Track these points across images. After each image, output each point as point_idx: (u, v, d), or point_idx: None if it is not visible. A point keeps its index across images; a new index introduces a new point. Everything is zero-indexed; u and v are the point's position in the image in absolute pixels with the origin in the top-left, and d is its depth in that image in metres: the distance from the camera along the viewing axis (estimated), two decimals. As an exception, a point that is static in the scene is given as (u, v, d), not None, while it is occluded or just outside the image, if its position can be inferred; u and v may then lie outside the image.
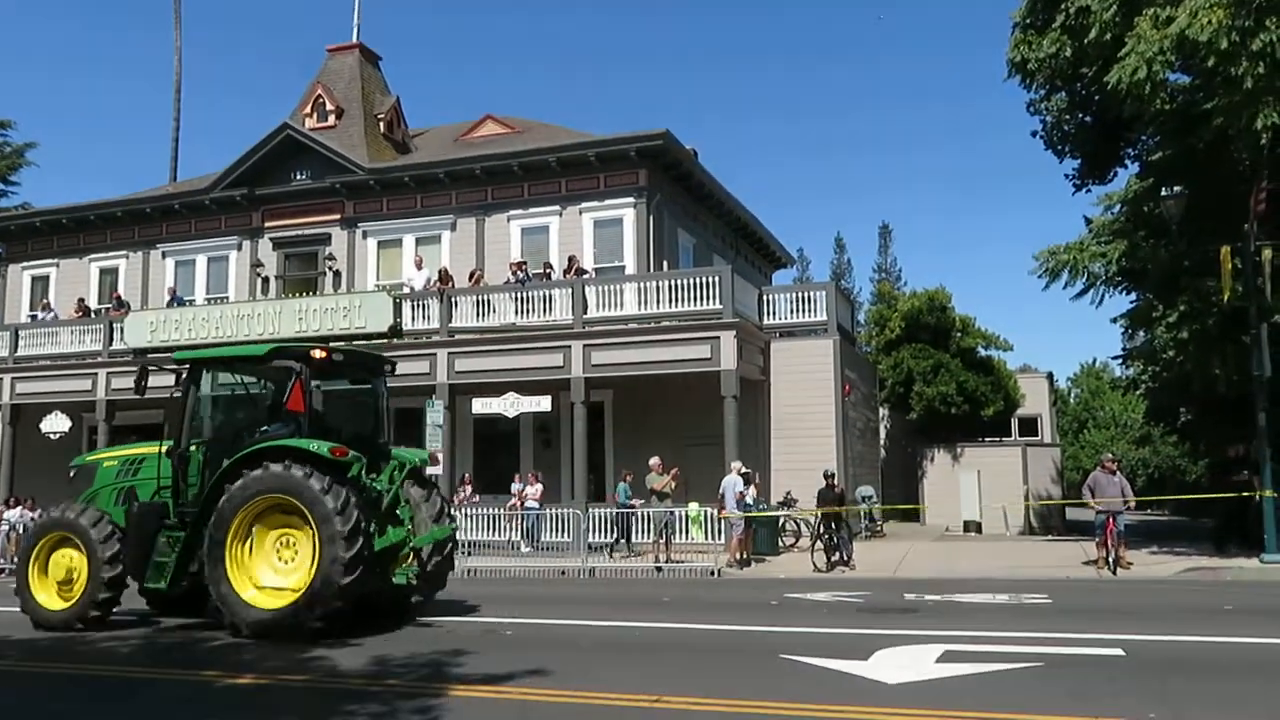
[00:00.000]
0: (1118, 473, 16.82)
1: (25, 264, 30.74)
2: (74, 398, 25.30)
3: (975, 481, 31.11)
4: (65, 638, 10.50)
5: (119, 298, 28.05)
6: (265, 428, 11.12)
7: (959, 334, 34.54)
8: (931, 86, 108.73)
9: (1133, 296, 22.69)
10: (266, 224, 27.95)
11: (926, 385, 32.76)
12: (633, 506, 19.04)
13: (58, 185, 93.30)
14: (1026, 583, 14.55)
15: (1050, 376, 42.27)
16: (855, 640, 9.27)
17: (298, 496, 10.09)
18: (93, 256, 29.88)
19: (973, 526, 29.96)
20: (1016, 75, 19.54)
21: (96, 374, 25.31)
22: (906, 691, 7.08)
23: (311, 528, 10.03)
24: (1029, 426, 38.11)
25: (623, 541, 19.24)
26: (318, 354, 11.27)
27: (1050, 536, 26.60)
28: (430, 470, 20.54)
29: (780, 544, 20.30)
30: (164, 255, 29.02)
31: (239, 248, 28.19)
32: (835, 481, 18.26)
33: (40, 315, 28.59)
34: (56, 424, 24.47)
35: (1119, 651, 8.47)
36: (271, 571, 10.36)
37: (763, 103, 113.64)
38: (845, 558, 17.30)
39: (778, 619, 11.10)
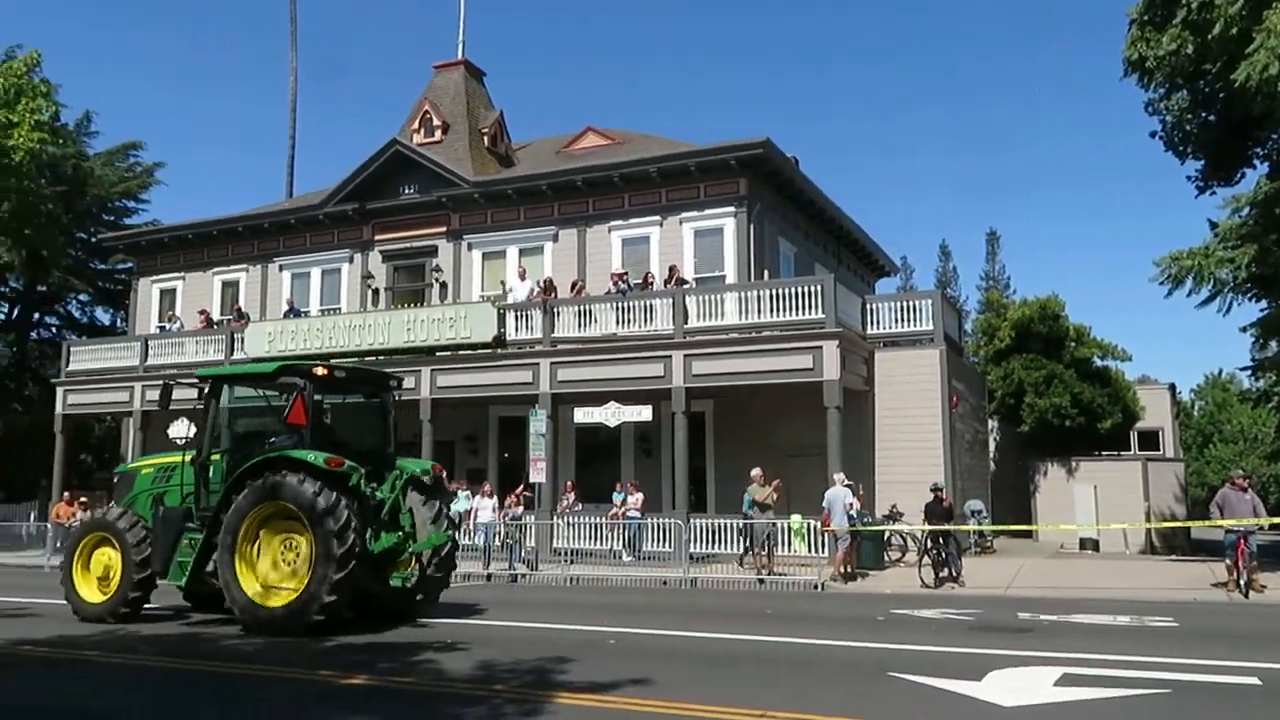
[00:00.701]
0: (1249, 490, 15.91)
1: (154, 278, 32.39)
2: (199, 404, 26.41)
3: (1092, 497, 29.86)
4: (190, 635, 10.98)
5: (239, 309, 29.30)
6: (273, 439, 11.99)
7: (1073, 344, 33.26)
8: (1041, 86, 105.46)
9: (1263, 304, 21.50)
10: (376, 237, 28.84)
11: (1038, 397, 31.65)
12: (750, 517, 18.72)
13: (181, 201, 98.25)
14: (1150, 604, 13.89)
15: (1172, 388, 40.36)
16: (967, 660, 8.98)
17: (295, 503, 10.99)
18: (216, 270, 31.29)
19: (1089, 544, 28.73)
20: (1134, 74, 18.82)
21: (218, 382, 26.40)
22: (1023, 716, 6.82)
23: (308, 532, 10.89)
24: (1149, 440, 36.43)
25: (755, 551, 18.60)
26: (320, 371, 12.26)
27: (1174, 556, 25.34)
28: (533, 479, 21.03)
29: (885, 558, 19.87)
30: (281, 268, 30.21)
31: (351, 260, 29.14)
32: (944, 495, 17.79)
33: (167, 326, 30.07)
34: (183, 431, 25.61)
35: (1254, 680, 7.99)
36: (276, 572, 11.26)
37: (864, 106, 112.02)
38: (954, 574, 16.82)
39: (885, 635, 10.85)
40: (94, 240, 42.28)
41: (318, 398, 12.29)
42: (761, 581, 17.46)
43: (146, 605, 12.58)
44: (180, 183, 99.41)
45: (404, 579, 11.85)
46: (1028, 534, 27.32)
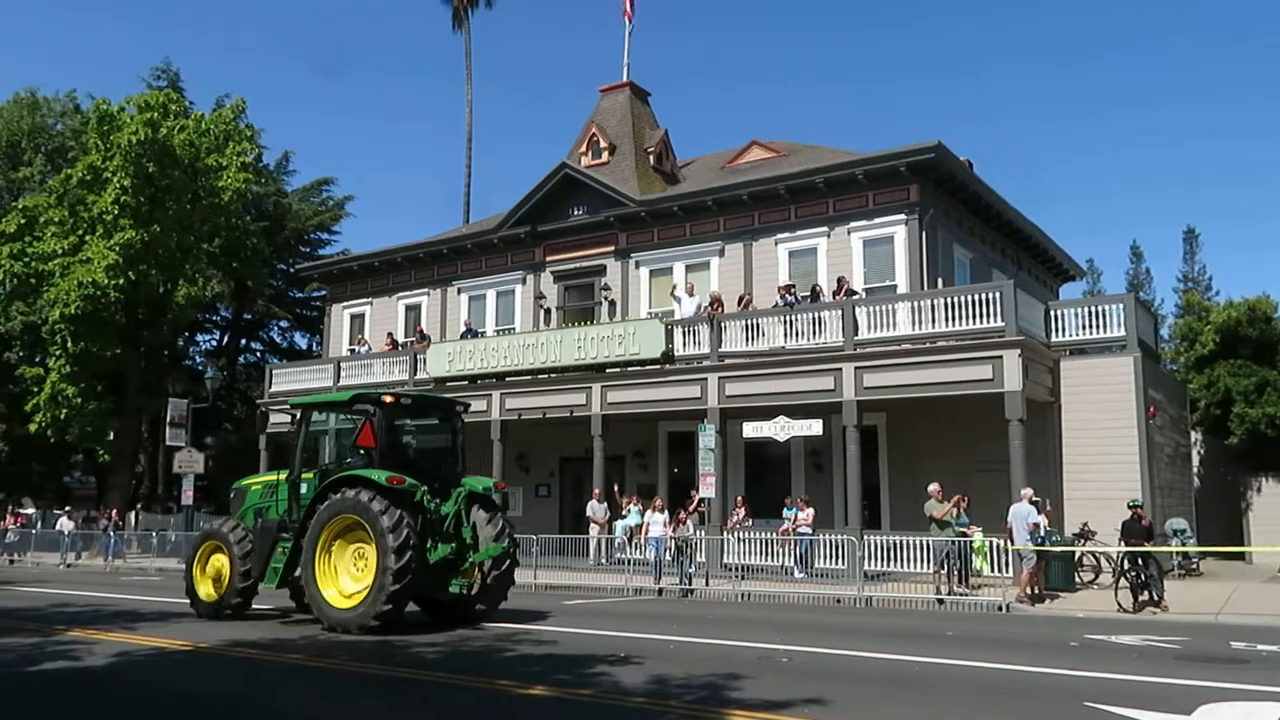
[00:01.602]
0: None
1: (344, 304, 34.52)
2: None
3: (1315, 515, 27.19)
4: (382, 642, 11.52)
5: (421, 331, 30.82)
6: (349, 459, 13.44)
7: (1288, 348, 30.45)
8: (1234, 74, 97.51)
9: None
10: (547, 258, 29.71)
11: (1249, 406, 29.11)
12: (966, 533, 18.02)
13: (365, 230, 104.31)
14: (1388, 635, 12.46)
15: None
16: (1173, 691, 8.31)
17: (363, 516, 12.27)
18: (399, 294, 33.04)
19: (1313, 567, 26.13)
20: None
21: (404, 401, 27.77)
22: (1242, 754, 6.24)
23: (374, 543, 12.11)
24: (1382, 453, 32.82)
25: (936, 570, 17.67)
26: (388, 399, 13.60)
27: None
28: (702, 493, 21.04)
29: (1077, 580, 18.72)
30: (459, 291, 31.58)
31: (523, 281, 30.13)
32: (1143, 513, 16.60)
33: (357, 349, 31.96)
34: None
35: None
36: (349, 578, 12.56)
37: (1037, 101, 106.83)
38: (1155, 597, 15.63)
39: (1079, 662, 10.19)
40: (292, 270, 45.57)
41: (394, 422, 13.64)
42: (941, 601, 16.78)
43: (256, 606, 14.29)
44: (364, 212, 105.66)
45: (462, 586, 12.98)
46: (1239, 555, 25.15)
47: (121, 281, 32.01)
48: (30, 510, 45.31)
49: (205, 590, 14.28)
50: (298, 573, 12.91)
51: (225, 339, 49.96)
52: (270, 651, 10.78)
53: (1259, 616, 14.57)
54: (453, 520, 13.03)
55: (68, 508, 39.80)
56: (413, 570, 12.08)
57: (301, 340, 50.67)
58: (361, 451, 13.18)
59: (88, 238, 33.02)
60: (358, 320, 34.04)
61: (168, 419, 33.45)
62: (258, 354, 50.64)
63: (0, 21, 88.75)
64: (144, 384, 36.01)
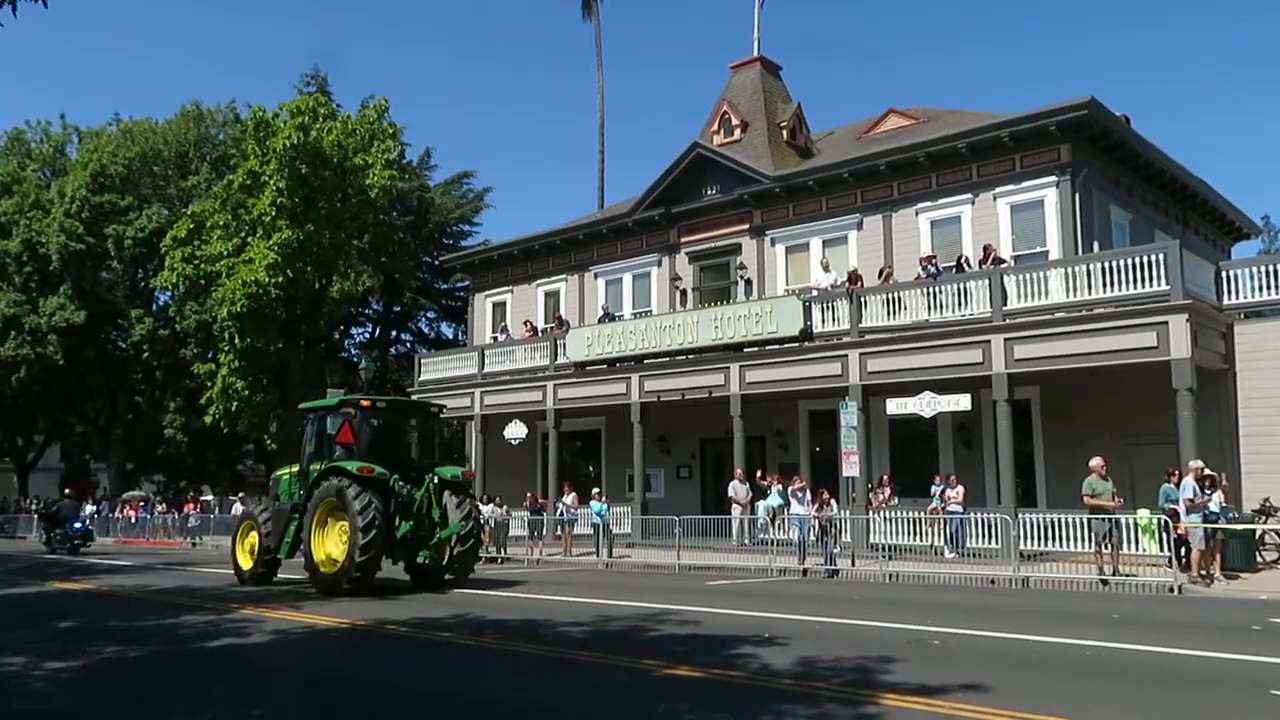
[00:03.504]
0: None
1: (486, 293, 35.42)
2: (529, 407, 28.60)
3: None
4: (529, 622, 11.79)
5: (560, 317, 31.31)
6: (338, 453, 16.22)
7: None
8: None
9: None
10: (682, 239, 29.64)
11: None
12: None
13: (504, 219, 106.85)
14: None
15: None
16: (1376, 680, 7.59)
17: (340, 499, 15.17)
18: (538, 282, 33.66)
19: None
20: None
21: (545, 386, 28.38)
22: None
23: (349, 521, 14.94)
24: None
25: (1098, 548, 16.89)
26: (364, 403, 16.84)
27: None
28: (846, 473, 20.62)
29: (1259, 559, 17.41)
30: (595, 276, 31.90)
31: (659, 264, 30.17)
32: (1331, 487, 15.28)
33: (499, 337, 32.76)
34: (516, 431, 27.79)
35: None
36: (335, 548, 15.42)
37: (1202, 50, 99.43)
38: (1350, 578, 14.38)
39: (1263, 647, 9.45)
40: (437, 263, 47.10)
41: (375, 421, 16.79)
42: (1105, 583, 15.92)
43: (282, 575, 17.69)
44: (503, 202, 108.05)
45: (427, 557, 15.90)
46: None
47: (281, 279, 33.77)
48: (209, 496, 48.70)
49: (244, 560, 17.71)
50: (302, 547, 15.98)
51: (377, 331, 52.17)
52: (421, 630, 11.18)
53: None
54: (424, 502, 15.74)
55: (241, 494, 42.52)
56: (378, 543, 14.89)
57: (448, 330, 52.40)
58: (342, 448, 16.08)
59: (249, 239, 34.97)
60: (499, 308, 34.88)
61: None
62: (407, 344, 52.65)
63: (165, 34, 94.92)
64: (304, 376, 37.95)
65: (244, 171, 35.12)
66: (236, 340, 34.80)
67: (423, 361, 33.84)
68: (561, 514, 25.27)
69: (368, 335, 52.50)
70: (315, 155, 34.07)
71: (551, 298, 33.19)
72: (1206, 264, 21.07)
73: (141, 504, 43.54)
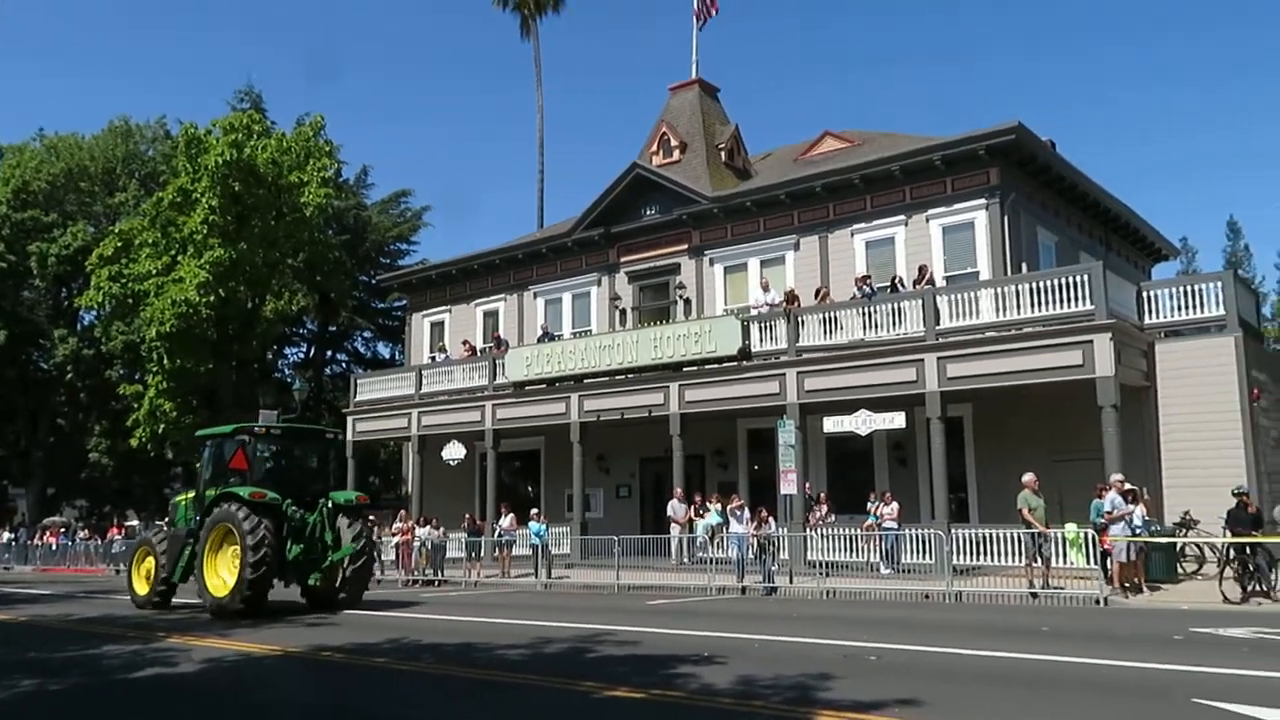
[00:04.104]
0: None
1: (424, 312, 35.11)
2: (467, 428, 28.36)
3: None
4: (466, 645, 11.64)
5: (498, 337, 31.15)
6: (232, 479, 16.63)
7: (1403, 322, 28.81)
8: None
9: None
10: (621, 259, 29.75)
11: (1361, 385, 27.60)
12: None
13: (442, 238, 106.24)
14: None
15: None
16: (1290, 686, 7.87)
17: (232, 524, 15.64)
18: (477, 301, 33.47)
19: None
20: None
21: (484, 406, 28.18)
22: (1369, 753, 5.85)
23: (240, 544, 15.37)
24: None
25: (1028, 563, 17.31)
26: (259, 430, 17.17)
27: None
28: (784, 491, 20.81)
29: (1180, 570, 17.96)
30: (535, 295, 31.83)
31: (598, 283, 30.23)
32: (1249, 499, 15.85)
33: (437, 357, 32.47)
34: (454, 452, 27.53)
35: None
36: (227, 572, 15.81)
37: (1123, 78, 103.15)
38: (1265, 588, 14.91)
39: (1184, 656, 9.73)
40: (373, 282, 46.57)
41: (271, 447, 17.50)
42: (1034, 596, 16.27)
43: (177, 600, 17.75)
44: (441, 220, 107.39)
45: (318, 579, 16.36)
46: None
47: (212, 299, 33.08)
48: (134, 522, 47.20)
49: (140, 586, 17.94)
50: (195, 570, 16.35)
51: (311, 351, 51.31)
52: (357, 655, 10.96)
53: (1381, 607, 13.77)
54: (317, 526, 16.33)
55: (168, 519, 41.30)
56: (268, 566, 15.39)
57: (385, 349, 51.77)
58: (236, 474, 16.57)
59: (180, 257, 34.21)
60: (437, 328, 34.59)
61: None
62: (343, 364, 51.89)
63: (93, 51, 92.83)
64: (236, 397, 37.15)
65: (174, 189, 34.41)
66: (165, 361, 33.97)
67: (359, 382, 33.38)
68: (499, 535, 25.05)
69: (302, 355, 51.62)
70: (249, 172, 33.52)
71: (490, 317, 33.02)
72: (1129, 285, 21.78)
73: (62, 530, 42.08)
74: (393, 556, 26.46)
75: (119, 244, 35.94)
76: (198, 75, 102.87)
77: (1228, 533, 15.66)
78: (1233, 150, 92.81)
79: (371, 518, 27.90)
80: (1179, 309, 20.89)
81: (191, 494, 18.07)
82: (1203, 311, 20.50)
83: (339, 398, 44.38)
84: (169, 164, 40.30)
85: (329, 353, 52.10)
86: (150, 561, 17.86)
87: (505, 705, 8.16)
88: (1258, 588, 14.93)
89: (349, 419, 32.14)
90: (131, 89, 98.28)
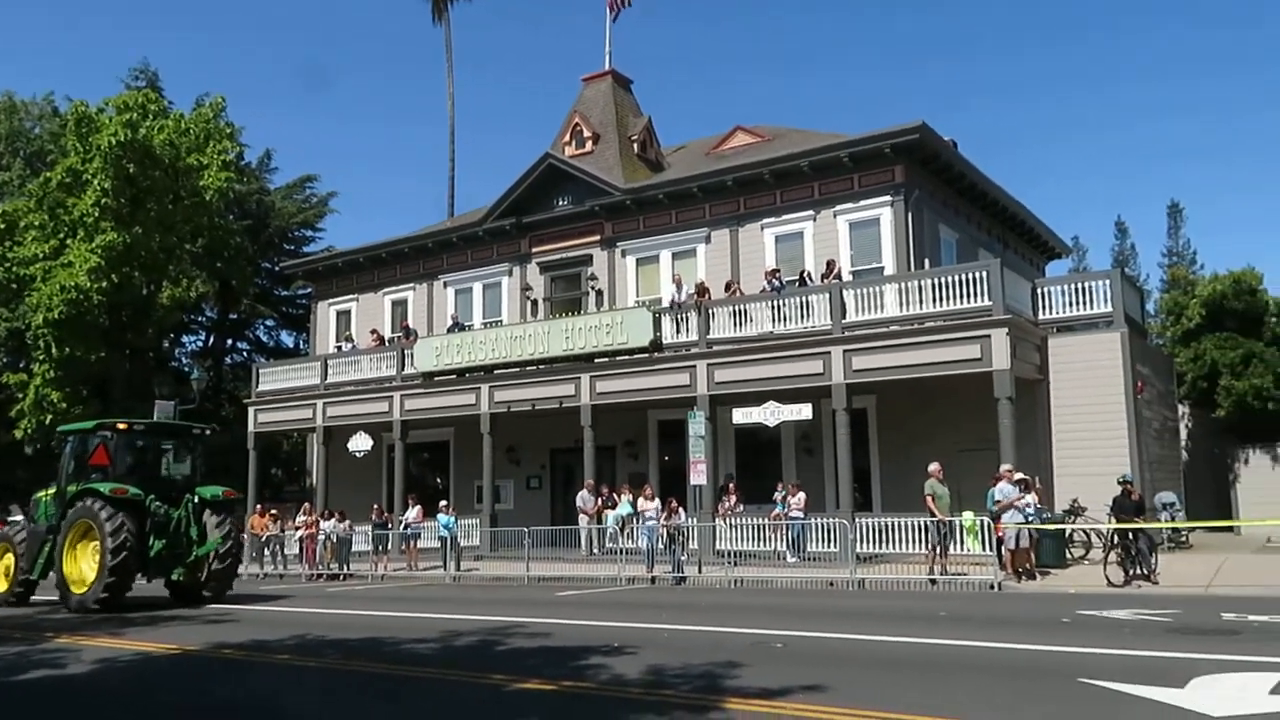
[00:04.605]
0: None
1: (330, 300, 34.33)
2: (374, 419, 27.87)
3: (1304, 485, 27.32)
4: (372, 640, 11.47)
5: (407, 327, 30.66)
6: (95, 475, 16.63)
7: (1274, 319, 30.54)
8: (1214, 52, 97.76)
9: None
10: (533, 249, 29.58)
11: (1235, 378, 29.21)
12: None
13: (350, 225, 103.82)
14: (1379, 603, 12.53)
15: (1395, 362, 36.39)
16: (1167, 664, 8.33)
17: (93, 520, 15.73)
18: (385, 290, 32.88)
19: (1301, 537, 26.30)
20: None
21: (392, 396, 27.74)
22: (1237, 726, 6.24)
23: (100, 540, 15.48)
24: (1368, 421, 32.97)
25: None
26: (121, 426, 17.17)
27: (1404, 549, 22.86)
28: (694, 481, 21.02)
29: (1069, 556, 18.78)
30: (445, 285, 31.42)
31: (510, 273, 30.01)
32: (1132, 488, 16.66)
33: (344, 346, 31.79)
34: (361, 443, 27.03)
35: None
36: (87, 567, 15.88)
37: (1022, 82, 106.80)
38: (1146, 571, 15.71)
39: (1072, 638, 10.21)
40: (277, 269, 45.26)
41: (137, 443, 17.37)
42: (934, 582, 16.82)
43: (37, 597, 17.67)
44: (349, 207, 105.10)
45: (181, 574, 16.62)
46: (1229, 528, 25.27)
47: (104, 284, 31.66)
48: (18, 518, 44.93)
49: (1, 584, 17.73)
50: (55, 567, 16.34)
51: (211, 340, 49.60)
52: (257, 652, 10.72)
53: (1249, 588, 14.64)
54: (181, 521, 16.47)
55: (29, 515, 39.48)
56: (128, 562, 15.48)
57: (288, 339, 50.38)
58: (97, 470, 16.54)
59: (69, 241, 32.65)
60: (344, 317, 33.87)
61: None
62: (244, 353, 50.29)
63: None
64: (130, 387, 35.70)
65: (63, 169, 32.78)
66: (54, 349, 32.40)
67: (261, 371, 32.49)
68: (407, 528, 24.72)
69: (201, 344, 49.88)
70: (145, 154, 32.16)
71: (399, 307, 32.49)
72: (1024, 281, 22.62)
73: (-62, 527, 39.88)
74: (296, 551, 25.87)
75: (2, 226, 34.12)
76: (88, 52, 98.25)
77: (1112, 519, 16.44)
78: (1121, 150, 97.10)
79: (274, 511, 27.37)
80: (1070, 305, 21.81)
81: (53, 490, 17.81)
82: (1092, 308, 21.46)
83: (240, 388, 43.03)
84: (57, 143, 38.37)
85: (230, 341, 50.46)
86: (9, 558, 17.73)
87: (413, 699, 8.09)
88: (1139, 571, 15.71)
89: (251, 410, 31.28)
90: (15, 65, 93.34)
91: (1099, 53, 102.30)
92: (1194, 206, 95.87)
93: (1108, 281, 21.81)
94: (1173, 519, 20.66)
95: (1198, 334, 30.83)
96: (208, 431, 18.75)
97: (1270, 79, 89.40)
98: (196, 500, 16.84)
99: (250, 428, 31.01)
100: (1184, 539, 21.73)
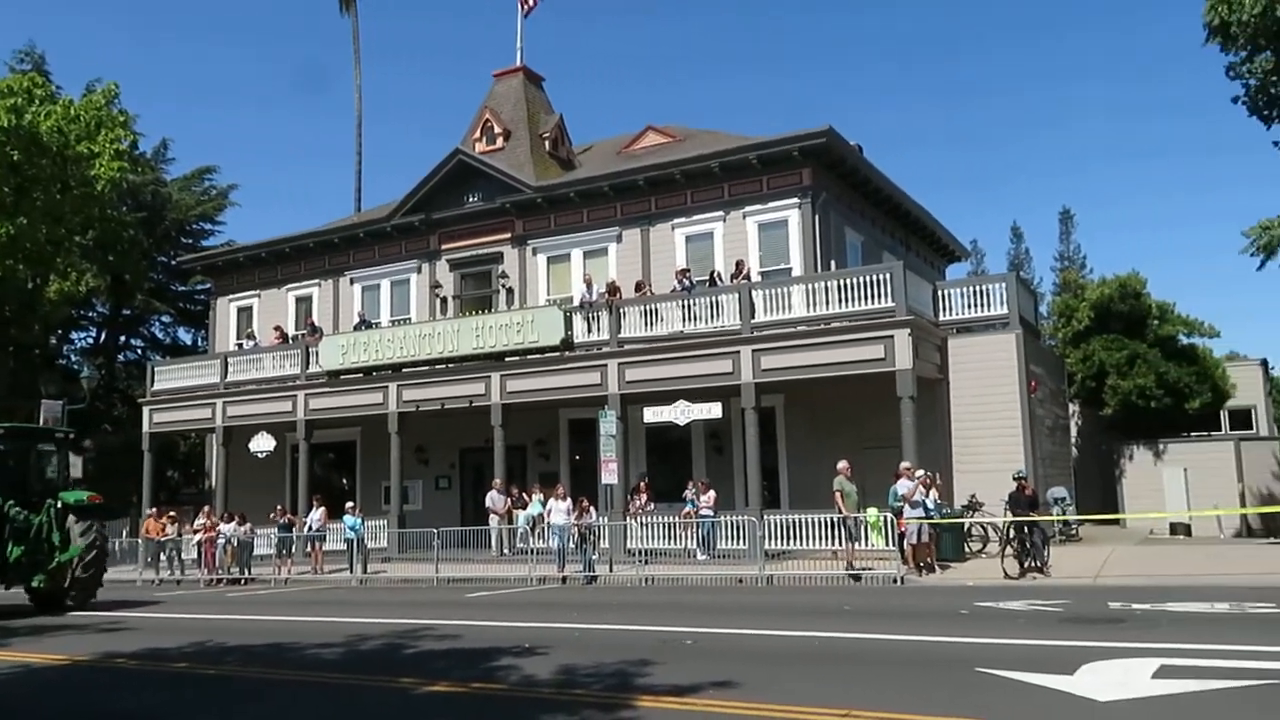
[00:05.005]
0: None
1: (231, 296, 33.29)
2: (278, 418, 27.15)
3: (1182, 480, 28.83)
4: (275, 646, 11.19)
5: (312, 324, 29.95)
6: None
7: (1156, 322, 32.14)
8: (1106, 61, 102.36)
9: (1362, 269, 20.51)
10: (443, 246, 29.20)
11: (1121, 378, 30.65)
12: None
13: (252, 219, 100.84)
14: (1250, 590, 13.30)
15: (1264, 364, 38.68)
16: (1057, 653, 8.70)
17: None
18: (289, 286, 32.03)
19: (1180, 529, 27.74)
20: (1215, 39, 18.08)
21: (296, 396, 27.07)
22: (1121, 711, 6.56)
23: None
24: (1241, 419, 34.97)
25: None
26: None
27: (1274, 539, 24.34)
28: (605, 481, 21.06)
29: (967, 550, 19.43)
30: (352, 281, 30.77)
31: (419, 270, 29.56)
32: (1027, 483, 17.32)
33: (245, 344, 30.87)
34: (263, 444, 26.30)
35: (1370, 668, 7.57)
36: None
37: (926, 91, 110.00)
38: (1039, 564, 16.36)
39: (970, 629, 10.57)
40: (174, 263, 43.64)
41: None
42: (857, 578, 17.16)
43: None
44: (251, 201, 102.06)
45: (41, 581, 16.19)
46: (1115, 521, 26.49)
47: (-15, 277, 30.13)
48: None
49: None
50: None
51: (103, 336, 47.53)
52: (152, 661, 10.35)
53: (1133, 577, 15.41)
54: (43, 527, 16.16)
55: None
56: None
57: (186, 336, 48.60)
58: None
59: (-54, 231, 30.93)
60: (245, 314, 32.89)
61: (41, 422, 31.71)
62: (139, 351, 48.33)
63: None
64: (14, 386, 34.02)
65: (-60, 155, 31.02)
66: (-71, 345, 30.69)
67: (157, 370, 31.33)
68: (311, 530, 24.15)
69: (91, 341, 47.78)
70: (31, 141, 30.63)
71: (303, 303, 31.69)
72: (926, 284, 23.31)
73: None
74: (195, 555, 25.03)
75: None
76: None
77: (1008, 513, 17.07)
78: (1018, 159, 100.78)
79: (171, 514, 26.43)
80: (969, 307, 22.57)
81: None
82: (989, 310, 22.24)
83: (134, 386, 41.38)
84: (-67, 127, 36.24)
85: (123, 338, 48.43)
86: None
87: (318, 706, 7.92)
88: (1033, 564, 16.34)
89: (146, 409, 30.13)
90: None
91: (998, 62, 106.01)
92: (1085, 211, 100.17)
93: (1004, 285, 22.64)
94: (1064, 513, 21.55)
95: (1087, 335, 32.23)
96: (72, 435, 18.34)
97: (1154, 86, 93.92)
98: (59, 506, 16.52)
99: (145, 428, 29.87)
100: (1074, 532, 22.68)
